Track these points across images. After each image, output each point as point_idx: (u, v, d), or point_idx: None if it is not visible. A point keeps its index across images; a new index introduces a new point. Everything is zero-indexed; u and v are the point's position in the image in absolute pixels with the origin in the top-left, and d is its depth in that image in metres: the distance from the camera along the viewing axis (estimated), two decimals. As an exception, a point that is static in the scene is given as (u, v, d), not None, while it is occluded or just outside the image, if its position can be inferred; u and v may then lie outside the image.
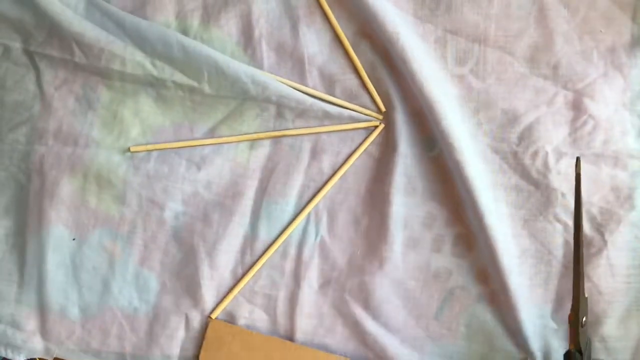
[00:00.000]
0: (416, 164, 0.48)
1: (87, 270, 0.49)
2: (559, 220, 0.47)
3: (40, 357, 0.49)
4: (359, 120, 0.49)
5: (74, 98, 0.49)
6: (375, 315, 0.48)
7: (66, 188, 0.49)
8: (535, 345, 0.45)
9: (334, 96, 0.49)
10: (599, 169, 0.47)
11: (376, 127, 0.49)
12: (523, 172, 0.47)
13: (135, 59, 0.47)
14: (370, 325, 0.47)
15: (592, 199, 0.47)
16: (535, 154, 0.47)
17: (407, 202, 0.48)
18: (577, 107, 0.47)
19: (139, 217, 0.49)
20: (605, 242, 0.46)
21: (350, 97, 0.49)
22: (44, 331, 0.49)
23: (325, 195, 0.49)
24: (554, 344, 0.46)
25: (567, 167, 0.47)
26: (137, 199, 0.49)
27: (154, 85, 0.49)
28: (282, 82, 0.48)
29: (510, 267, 0.45)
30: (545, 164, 0.47)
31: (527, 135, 0.47)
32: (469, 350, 0.47)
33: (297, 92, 0.48)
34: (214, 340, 0.48)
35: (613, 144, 0.47)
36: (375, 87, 0.49)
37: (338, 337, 0.48)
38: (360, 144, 0.49)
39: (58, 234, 0.49)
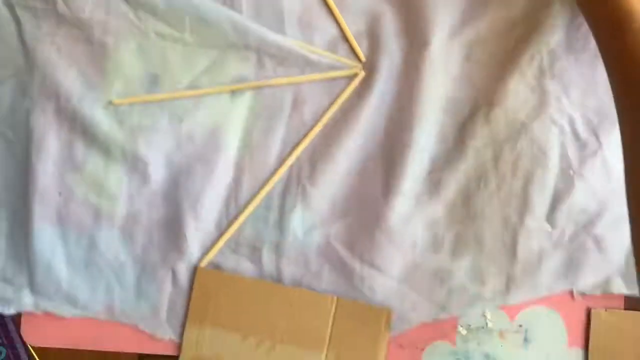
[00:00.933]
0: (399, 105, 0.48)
1: (73, 225, 0.50)
2: (554, 123, 0.47)
3: (29, 310, 0.50)
4: (339, 69, 0.49)
5: (56, 51, 0.49)
6: (362, 256, 0.48)
7: (53, 142, 0.49)
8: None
9: (313, 46, 0.49)
10: (595, 70, 0.47)
11: (356, 74, 0.49)
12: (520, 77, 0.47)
13: (119, 10, 0.48)
14: (357, 266, 0.48)
15: (587, 102, 0.47)
16: (531, 58, 0.47)
17: None
18: (572, 10, 0.46)
19: (124, 171, 0.50)
20: (600, 143, 0.47)
21: (330, 47, 0.49)
22: (32, 285, 0.49)
23: (307, 146, 0.49)
24: (548, 250, 0.47)
25: (561, 70, 0.47)
26: (122, 154, 0.49)
27: (137, 36, 0.49)
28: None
29: None
30: (540, 68, 0.47)
31: (522, 40, 0.47)
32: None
33: (278, 36, 0.48)
34: (202, 289, 0.48)
35: None
36: (355, 37, 0.49)
37: (325, 282, 0.48)
38: (341, 93, 0.49)
39: (44, 188, 0.49)
